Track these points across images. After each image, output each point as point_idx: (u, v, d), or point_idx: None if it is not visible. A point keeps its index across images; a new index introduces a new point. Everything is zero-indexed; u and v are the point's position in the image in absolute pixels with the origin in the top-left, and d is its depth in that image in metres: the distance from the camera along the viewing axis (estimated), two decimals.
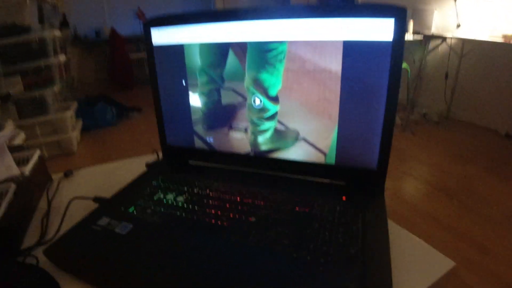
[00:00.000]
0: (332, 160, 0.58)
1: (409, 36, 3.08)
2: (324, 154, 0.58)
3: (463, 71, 3.25)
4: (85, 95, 3.68)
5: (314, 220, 0.49)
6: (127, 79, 5.05)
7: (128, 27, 5.41)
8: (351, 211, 0.51)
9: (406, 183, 2.12)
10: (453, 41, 3.20)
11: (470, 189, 2.04)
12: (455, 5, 3.07)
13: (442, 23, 3.28)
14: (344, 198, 0.55)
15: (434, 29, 3.30)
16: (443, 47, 3.34)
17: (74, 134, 2.73)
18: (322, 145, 0.58)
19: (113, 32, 4.83)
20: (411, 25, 3.14)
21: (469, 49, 3.14)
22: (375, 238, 0.46)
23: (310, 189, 0.59)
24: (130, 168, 0.75)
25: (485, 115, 3.12)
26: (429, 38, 3.25)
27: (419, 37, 3.17)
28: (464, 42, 3.12)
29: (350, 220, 0.49)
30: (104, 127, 3.33)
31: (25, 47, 2.49)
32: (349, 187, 0.58)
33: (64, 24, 4.72)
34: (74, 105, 2.93)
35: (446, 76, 3.32)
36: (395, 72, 0.50)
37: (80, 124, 3.02)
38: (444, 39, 3.17)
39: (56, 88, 2.64)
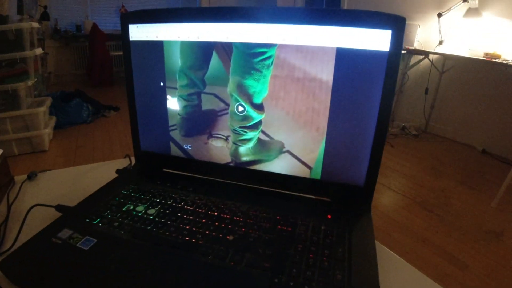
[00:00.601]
0: (317, 175, 0.54)
1: None
2: (310, 168, 0.54)
3: (443, 87, 3.31)
4: (61, 90, 3.54)
5: (297, 240, 0.45)
6: (106, 76, 4.92)
7: (110, 24, 5.30)
8: (337, 231, 0.47)
9: (384, 196, 2.12)
10: (434, 57, 3.26)
11: (447, 203, 2.05)
12: (439, 22, 3.13)
13: (425, 39, 3.34)
14: (329, 216, 0.51)
15: (417, 45, 3.36)
16: (424, 63, 3.39)
17: (47, 131, 2.61)
18: (308, 158, 0.54)
19: (95, 27, 4.70)
20: None
21: (450, 65, 3.20)
22: (363, 262, 0.42)
23: (294, 204, 0.55)
24: (99, 173, 0.70)
25: (463, 131, 3.19)
26: (411, 53, 3.29)
27: (402, 51, 3.21)
28: (445, 58, 3.18)
29: (336, 241, 0.45)
30: (78, 124, 3.22)
31: (1, 38, 2.37)
32: (334, 204, 0.55)
33: (44, 16, 4.57)
34: (48, 101, 2.80)
35: (426, 91, 3.38)
36: (390, 85, 0.47)
37: (53, 121, 2.90)
38: (426, 54, 3.22)
39: (30, 82, 2.52)
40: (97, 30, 4.70)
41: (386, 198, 2.10)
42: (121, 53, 5.12)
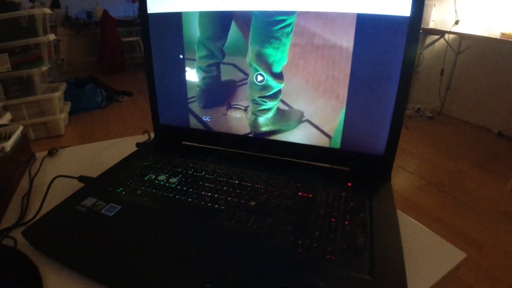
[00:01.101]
0: (337, 144, 0.54)
1: None
2: (329, 137, 0.54)
3: (458, 68, 3.24)
4: (74, 77, 3.57)
5: (318, 206, 0.46)
6: (117, 62, 4.93)
7: (120, 10, 5.29)
8: (357, 197, 0.48)
9: (399, 176, 2.11)
10: (450, 38, 3.18)
11: (462, 185, 2.03)
12: (455, 2, 3.04)
13: (441, 19, 3.26)
14: (349, 184, 0.51)
15: (432, 25, 3.28)
16: (440, 43, 3.31)
17: (62, 116, 2.65)
18: (328, 127, 0.54)
19: (105, 13, 4.70)
20: None
21: (466, 46, 3.13)
22: (385, 226, 0.42)
23: (313, 174, 0.55)
24: (119, 148, 0.71)
25: (479, 113, 3.12)
26: (427, 32, 3.22)
27: None
28: (461, 39, 3.10)
29: (357, 207, 0.46)
30: (93, 110, 3.25)
31: (14, 24, 2.40)
32: (354, 173, 0.55)
33: (55, 4, 4.58)
34: (63, 86, 2.84)
35: (442, 72, 3.31)
36: (411, 50, 0.46)
37: (68, 106, 2.94)
38: (442, 34, 3.14)
39: (45, 67, 2.55)
40: (107, 17, 4.70)
41: (401, 179, 2.09)
42: (132, 39, 5.14)
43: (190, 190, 0.50)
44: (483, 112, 3.09)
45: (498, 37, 2.71)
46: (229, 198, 0.48)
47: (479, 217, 1.72)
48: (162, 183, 0.52)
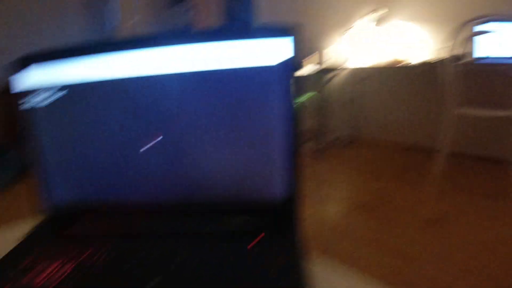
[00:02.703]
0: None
1: (309, 68, 3.31)
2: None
3: (365, 94, 3.55)
4: None
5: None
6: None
7: None
8: (260, 259, 0.44)
9: (325, 207, 2.14)
10: (350, 69, 3.53)
11: (385, 201, 2.13)
12: (346, 40, 3.39)
13: (335, 58, 3.63)
14: (249, 247, 0.47)
15: (328, 63, 3.60)
16: (343, 75, 3.63)
17: None
18: None
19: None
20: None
21: (368, 74, 3.46)
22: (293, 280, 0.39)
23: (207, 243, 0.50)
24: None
25: (390, 131, 3.41)
26: (325, 72, 3.48)
27: (315, 69, 3.37)
28: (359, 71, 3.46)
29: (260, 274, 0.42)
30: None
31: None
32: (255, 225, 0.51)
33: None
34: None
35: (352, 101, 3.59)
36: (286, 97, 0.47)
37: None
38: (339, 70, 3.48)
39: None
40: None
41: (328, 208, 2.11)
42: None
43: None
44: (393, 129, 3.39)
45: (391, 63, 3.14)
46: None
47: (406, 229, 1.78)
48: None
